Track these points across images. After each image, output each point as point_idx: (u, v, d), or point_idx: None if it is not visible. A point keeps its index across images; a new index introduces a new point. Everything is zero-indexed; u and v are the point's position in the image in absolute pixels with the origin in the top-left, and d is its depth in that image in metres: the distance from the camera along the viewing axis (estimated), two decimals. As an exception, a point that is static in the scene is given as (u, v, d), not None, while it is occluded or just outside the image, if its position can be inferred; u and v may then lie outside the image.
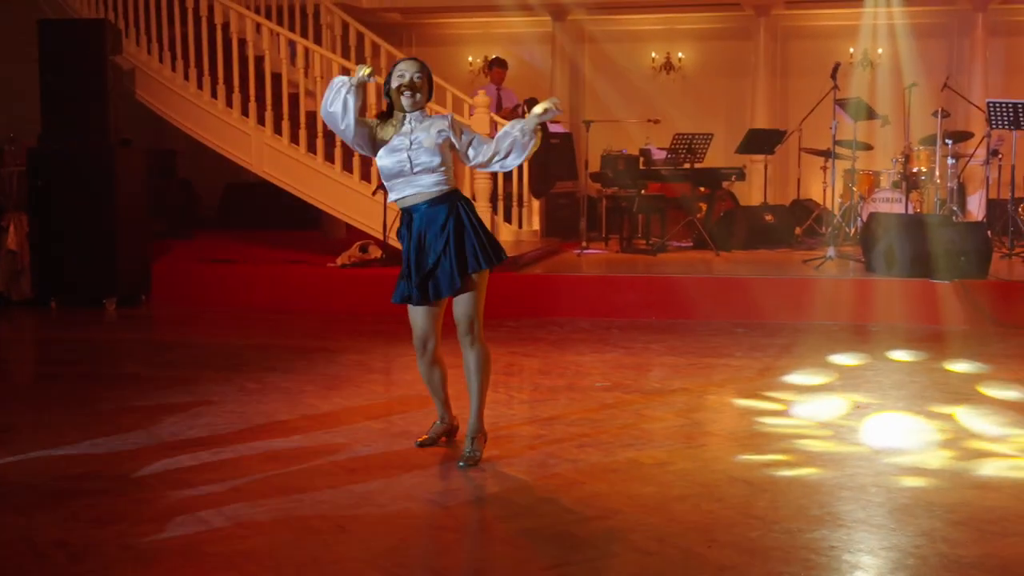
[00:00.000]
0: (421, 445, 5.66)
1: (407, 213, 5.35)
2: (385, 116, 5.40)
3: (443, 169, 5.29)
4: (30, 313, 10.46)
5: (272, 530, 4.48)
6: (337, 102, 5.21)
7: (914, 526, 4.49)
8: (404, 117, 5.34)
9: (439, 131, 5.30)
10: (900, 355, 8.21)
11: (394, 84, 5.31)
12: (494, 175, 11.44)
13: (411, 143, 5.27)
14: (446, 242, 5.24)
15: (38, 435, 6.00)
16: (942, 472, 5.28)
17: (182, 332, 9.76)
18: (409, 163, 5.26)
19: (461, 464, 5.33)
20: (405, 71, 5.30)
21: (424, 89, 5.34)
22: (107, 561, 4.18)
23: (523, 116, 11.80)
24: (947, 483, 5.10)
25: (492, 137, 5.41)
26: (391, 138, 5.32)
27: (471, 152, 5.37)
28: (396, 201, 5.40)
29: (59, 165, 10.43)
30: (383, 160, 5.32)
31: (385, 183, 5.43)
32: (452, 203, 5.30)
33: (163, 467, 5.37)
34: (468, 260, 5.25)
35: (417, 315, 5.42)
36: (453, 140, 5.33)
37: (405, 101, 5.30)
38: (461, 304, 5.33)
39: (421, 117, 5.35)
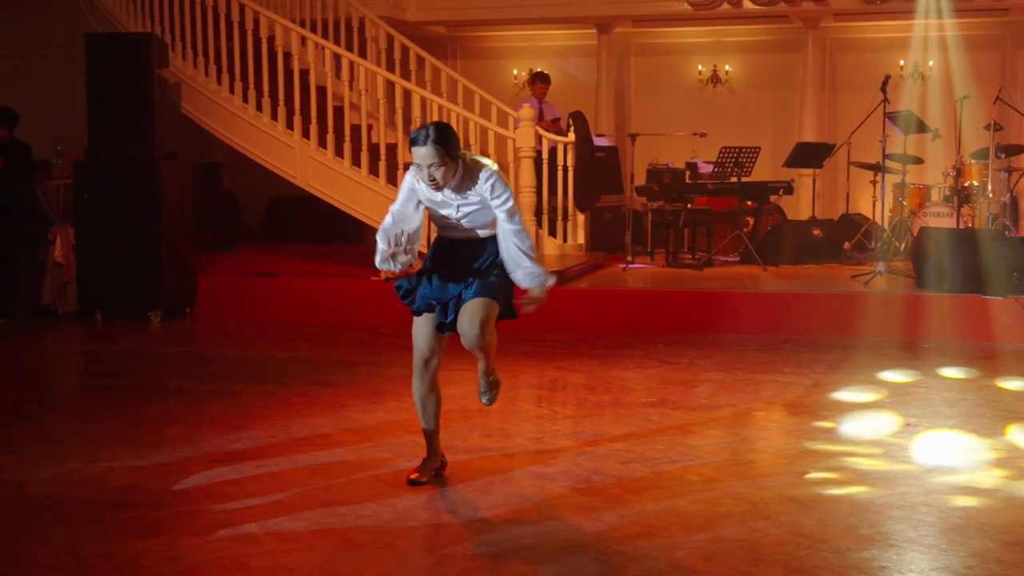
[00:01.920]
0: (415, 484, 5.22)
1: (444, 240, 5.23)
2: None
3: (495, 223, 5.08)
4: (75, 325, 10.52)
5: (315, 544, 4.46)
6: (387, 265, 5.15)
7: (966, 547, 4.41)
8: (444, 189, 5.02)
9: (479, 199, 5.01)
10: (951, 372, 8.09)
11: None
12: (538, 190, 11.41)
13: (458, 208, 5.04)
14: (485, 271, 5.09)
15: (83, 447, 6.02)
16: (995, 492, 5.19)
17: (226, 345, 9.78)
18: (459, 224, 5.09)
19: (485, 399, 5.46)
20: (420, 162, 4.92)
21: (447, 171, 4.91)
22: (151, 574, 4.18)
23: (565, 131, 11.88)
24: (1000, 503, 5.01)
25: (515, 226, 5.07)
26: (437, 198, 5.05)
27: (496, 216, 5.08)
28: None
29: (105, 178, 10.48)
30: (433, 216, 5.14)
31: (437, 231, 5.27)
32: (493, 247, 5.13)
33: (206, 480, 5.37)
34: (489, 288, 5.07)
35: (421, 330, 5.17)
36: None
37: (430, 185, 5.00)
38: (465, 310, 5.04)
39: (457, 188, 5.00)
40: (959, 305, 9.55)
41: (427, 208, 5.13)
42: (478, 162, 5.03)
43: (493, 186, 4.97)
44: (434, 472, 5.33)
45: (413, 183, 5.06)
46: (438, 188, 4.94)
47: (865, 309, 9.69)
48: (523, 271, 5.06)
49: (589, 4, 14.88)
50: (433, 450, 5.35)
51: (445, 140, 4.87)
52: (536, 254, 5.14)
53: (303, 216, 15.06)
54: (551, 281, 5.12)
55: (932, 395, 7.33)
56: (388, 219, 5.14)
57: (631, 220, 12.72)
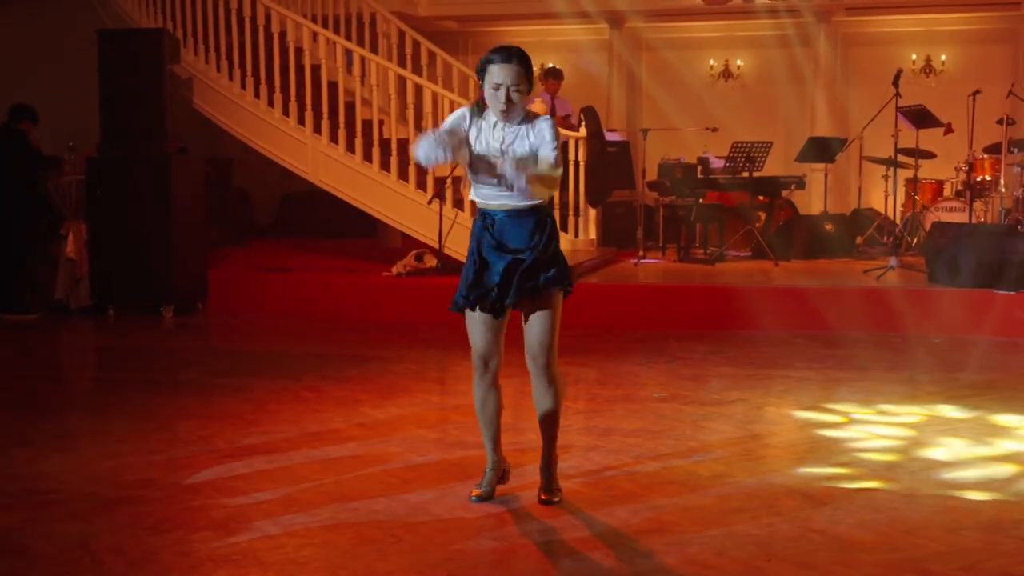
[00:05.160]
0: (479, 500, 4.94)
1: (487, 216, 4.81)
2: (480, 109, 4.80)
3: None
4: (88, 321, 10.56)
5: (327, 539, 4.47)
6: (433, 152, 4.62)
7: (979, 542, 4.39)
8: (496, 123, 4.75)
9: (529, 144, 4.70)
10: (963, 367, 8.07)
11: (486, 89, 4.69)
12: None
13: (503, 152, 4.70)
14: (529, 252, 4.72)
15: (96, 442, 6.03)
16: (1007, 487, 5.18)
17: (238, 340, 9.79)
18: (499, 175, 4.69)
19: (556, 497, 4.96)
20: (501, 81, 4.62)
21: (522, 97, 4.67)
22: (163, 568, 4.18)
23: (576, 127, 11.86)
24: (1012, 498, 5.00)
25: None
26: (485, 138, 4.75)
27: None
28: (477, 200, 4.87)
29: (117, 174, 10.51)
30: (475, 162, 4.73)
31: (471, 178, 4.85)
32: (540, 216, 4.78)
33: (219, 475, 5.38)
34: (549, 274, 4.74)
35: (477, 327, 4.81)
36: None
37: (496, 113, 4.71)
38: (534, 324, 4.77)
39: (517, 127, 4.73)
40: (971, 300, 9.53)
41: (469, 152, 4.74)
42: (534, 111, 4.83)
43: (552, 130, 4.70)
44: (496, 484, 5.04)
45: (464, 116, 4.79)
46: (507, 114, 4.65)
47: (877, 304, 9.68)
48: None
49: (601, -1, 14.86)
50: (493, 464, 5.03)
51: (529, 64, 4.70)
52: (547, 176, 4.70)
53: (315, 211, 15.06)
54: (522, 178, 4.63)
55: (944, 389, 7.31)
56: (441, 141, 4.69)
57: (643, 215, 12.71)
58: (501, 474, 5.07)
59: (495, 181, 4.70)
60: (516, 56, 4.65)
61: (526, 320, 4.82)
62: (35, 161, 10.66)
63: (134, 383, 7.79)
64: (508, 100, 4.63)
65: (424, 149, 4.64)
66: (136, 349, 9.30)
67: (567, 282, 4.80)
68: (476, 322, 4.82)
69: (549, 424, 4.93)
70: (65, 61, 13.38)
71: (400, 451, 5.80)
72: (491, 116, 4.75)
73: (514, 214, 4.75)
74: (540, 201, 4.78)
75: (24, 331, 10.01)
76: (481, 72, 4.68)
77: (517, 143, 4.71)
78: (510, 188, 4.67)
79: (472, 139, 4.77)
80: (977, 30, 14.68)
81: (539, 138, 4.70)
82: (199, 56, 12.20)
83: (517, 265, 4.72)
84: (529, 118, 4.74)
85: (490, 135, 4.74)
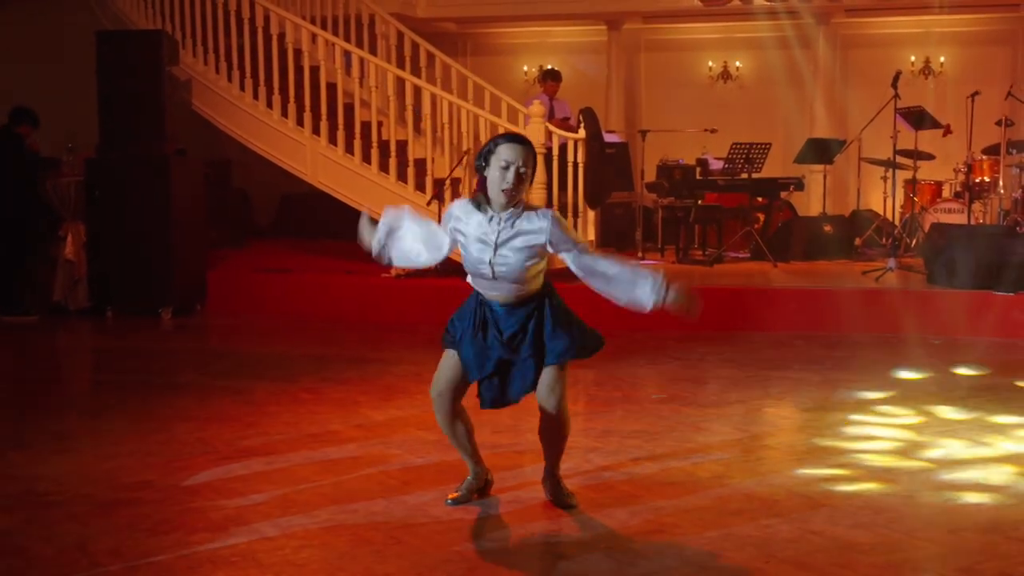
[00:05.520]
0: (454, 504, 4.93)
1: (482, 301, 4.79)
2: (479, 203, 4.68)
3: (528, 278, 4.67)
4: (86, 322, 10.55)
5: (325, 540, 4.47)
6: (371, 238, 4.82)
7: (977, 543, 4.40)
8: (492, 217, 4.63)
9: (530, 246, 4.59)
10: (962, 368, 8.07)
11: (491, 172, 4.59)
12: (548, 186, 11.38)
13: (496, 249, 4.60)
14: (525, 342, 4.70)
15: (94, 443, 6.03)
16: (1006, 488, 5.18)
17: (237, 341, 9.79)
18: (491, 270, 4.63)
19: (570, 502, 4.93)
20: (511, 160, 4.54)
21: (528, 178, 4.61)
22: (161, 570, 4.18)
23: (575, 128, 11.83)
24: (1011, 499, 5.00)
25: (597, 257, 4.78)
26: (476, 232, 4.64)
27: (566, 259, 4.71)
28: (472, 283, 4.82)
29: (116, 175, 10.51)
30: (465, 257, 4.70)
31: (466, 268, 4.77)
32: (538, 302, 4.74)
33: (217, 476, 5.38)
34: (547, 354, 4.70)
35: (454, 370, 4.82)
36: (548, 248, 4.64)
37: (501, 196, 4.58)
38: (545, 380, 4.72)
39: (512, 217, 4.60)
40: (970, 301, 9.53)
41: (460, 249, 4.73)
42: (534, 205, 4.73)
43: (554, 232, 4.58)
44: (475, 491, 5.02)
45: (460, 215, 4.70)
46: (512, 195, 4.55)
47: (876, 305, 9.67)
48: (640, 287, 4.74)
49: (599, 0, 14.86)
50: (474, 472, 5.02)
51: (535, 152, 4.68)
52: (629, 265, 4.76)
53: (314, 213, 15.04)
54: (665, 283, 4.73)
55: (943, 391, 7.31)
56: (408, 225, 4.84)
57: (641, 217, 12.71)
58: (483, 484, 5.05)
59: (489, 275, 4.66)
60: (525, 140, 4.63)
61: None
62: (32, 164, 10.64)
63: (132, 385, 7.79)
64: (516, 178, 4.54)
65: (367, 233, 4.81)
66: (134, 351, 9.30)
67: (577, 351, 4.76)
68: (450, 365, 4.84)
69: (556, 444, 4.88)
70: (64, 62, 13.37)
71: (399, 453, 5.80)
72: (488, 210, 4.64)
73: (509, 306, 4.72)
74: (534, 289, 4.74)
75: (22, 332, 10.00)
76: (487, 156, 4.60)
77: (507, 247, 4.59)
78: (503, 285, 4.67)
79: (465, 234, 4.67)
80: (976, 32, 14.68)
81: (547, 232, 4.59)
82: (198, 58, 12.20)
83: (512, 366, 4.73)
84: (527, 208, 4.64)
85: (486, 228, 4.62)
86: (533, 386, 4.74)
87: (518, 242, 4.60)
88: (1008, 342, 9.11)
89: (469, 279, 4.81)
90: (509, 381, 4.79)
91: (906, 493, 5.07)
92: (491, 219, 4.62)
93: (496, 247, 4.61)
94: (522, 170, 4.55)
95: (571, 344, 4.76)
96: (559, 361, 4.72)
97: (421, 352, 8.83)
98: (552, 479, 4.98)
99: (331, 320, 10.39)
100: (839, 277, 11.08)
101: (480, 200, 4.68)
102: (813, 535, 4.49)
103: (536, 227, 4.59)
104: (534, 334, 4.71)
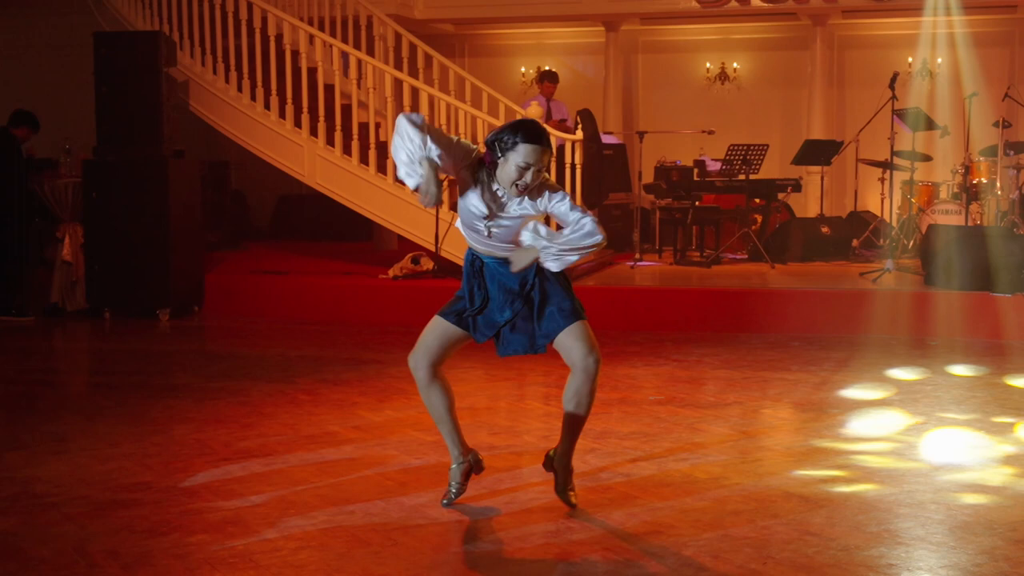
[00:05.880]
0: (449, 503, 4.88)
1: (477, 258, 4.75)
2: (482, 165, 4.61)
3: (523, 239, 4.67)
4: (84, 324, 10.55)
5: (323, 541, 4.46)
6: (411, 170, 4.52)
7: (975, 544, 4.40)
8: (499, 189, 4.59)
9: (531, 216, 4.62)
10: (960, 369, 8.08)
11: (507, 163, 4.50)
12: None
13: (494, 214, 4.59)
14: (525, 303, 4.66)
15: (91, 445, 6.02)
16: (1004, 489, 5.17)
17: (234, 343, 9.78)
18: (486, 231, 4.62)
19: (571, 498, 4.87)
20: (532, 163, 4.47)
21: (541, 175, 4.56)
22: (159, 572, 4.17)
23: (572, 130, 11.84)
24: (1009, 500, 4.99)
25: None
26: (478, 193, 4.61)
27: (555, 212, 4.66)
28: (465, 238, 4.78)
29: (113, 176, 10.51)
30: (461, 208, 4.65)
31: (459, 226, 4.78)
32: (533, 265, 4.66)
33: (215, 478, 5.37)
34: (555, 321, 4.64)
35: (443, 336, 4.74)
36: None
37: (513, 189, 4.54)
38: (574, 340, 4.63)
39: (519, 198, 4.60)
40: (967, 302, 9.53)
41: (460, 209, 4.68)
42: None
43: (566, 200, 4.60)
44: (463, 479, 4.92)
45: (472, 154, 4.62)
46: (525, 192, 4.53)
47: (873, 306, 9.67)
48: (553, 253, 4.60)
49: (597, 2, 14.88)
50: (456, 458, 4.91)
51: (552, 153, 4.62)
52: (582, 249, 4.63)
53: (312, 214, 15.08)
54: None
55: (940, 392, 7.31)
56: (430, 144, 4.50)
57: (639, 218, 12.72)
58: (468, 467, 4.93)
59: (485, 234, 4.64)
60: (546, 139, 4.52)
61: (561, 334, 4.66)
62: (23, 164, 10.58)
63: (130, 386, 7.78)
64: (533, 179, 4.51)
65: (405, 164, 4.52)
66: (132, 352, 9.29)
67: (573, 315, 4.65)
68: (444, 332, 4.75)
69: (580, 422, 4.81)
70: (62, 63, 13.39)
71: (396, 454, 5.80)
72: (496, 183, 4.59)
73: (504, 261, 4.68)
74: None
75: (19, 334, 9.99)
76: (507, 146, 4.49)
77: (519, 214, 4.58)
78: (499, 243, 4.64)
79: (472, 191, 4.62)
80: (974, 33, 14.70)
81: (556, 210, 4.59)
82: (195, 59, 12.20)
83: (522, 306, 4.66)
84: (543, 184, 4.59)
85: (491, 194, 4.59)
86: (537, 347, 4.67)
87: (520, 212, 4.60)
88: (1005, 343, 9.11)
89: (460, 228, 4.76)
90: (511, 339, 4.71)
91: (904, 494, 5.06)
92: (498, 189, 4.59)
93: (496, 216, 4.60)
94: (538, 172, 4.52)
95: (576, 303, 4.71)
96: (584, 316, 4.67)
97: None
98: (565, 463, 4.87)
99: (328, 322, 10.39)
100: (837, 278, 11.09)
101: (490, 170, 4.60)
102: (811, 536, 4.49)
103: (543, 208, 4.60)
104: (538, 297, 4.66)
